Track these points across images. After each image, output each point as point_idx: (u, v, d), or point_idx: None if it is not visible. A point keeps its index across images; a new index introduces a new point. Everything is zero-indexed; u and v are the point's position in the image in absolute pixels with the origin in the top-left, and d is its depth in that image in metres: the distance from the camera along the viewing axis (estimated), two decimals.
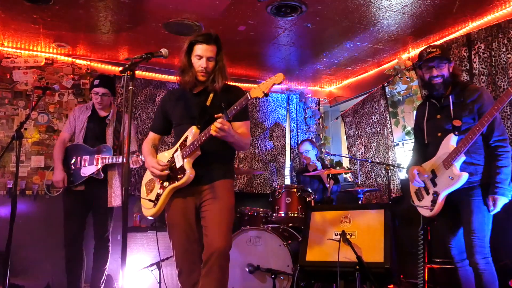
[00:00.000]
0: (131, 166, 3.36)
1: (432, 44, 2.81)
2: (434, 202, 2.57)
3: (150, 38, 4.43)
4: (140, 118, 5.06)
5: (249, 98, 2.22)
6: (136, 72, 2.41)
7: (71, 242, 3.44)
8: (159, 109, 2.69)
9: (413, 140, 3.03)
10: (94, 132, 3.55)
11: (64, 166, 3.49)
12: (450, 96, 2.63)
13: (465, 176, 2.45)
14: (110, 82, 3.68)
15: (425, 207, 2.66)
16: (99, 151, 3.45)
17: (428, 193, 2.67)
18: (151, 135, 2.70)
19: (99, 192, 3.43)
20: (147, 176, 2.65)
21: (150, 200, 2.53)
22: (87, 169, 3.41)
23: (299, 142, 5.37)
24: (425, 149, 2.78)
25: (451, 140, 2.54)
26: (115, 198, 3.43)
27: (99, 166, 3.38)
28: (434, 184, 2.62)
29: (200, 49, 2.42)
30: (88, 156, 3.45)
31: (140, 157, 3.34)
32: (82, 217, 3.49)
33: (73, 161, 3.49)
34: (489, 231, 2.49)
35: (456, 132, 2.53)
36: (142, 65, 5.05)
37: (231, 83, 2.67)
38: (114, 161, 3.40)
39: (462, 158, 2.49)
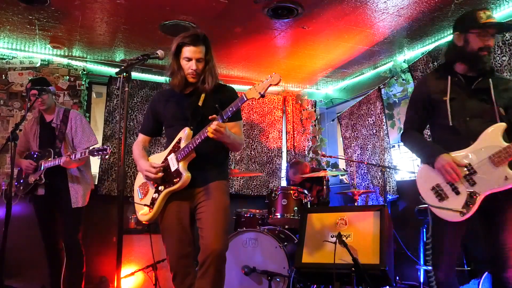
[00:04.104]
0: (64, 166, 3.30)
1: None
2: (469, 204, 2.09)
3: (146, 39, 4.42)
4: (136, 120, 5.05)
5: (245, 99, 2.18)
6: (132, 73, 2.39)
7: (47, 246, 3.47)
8: (149, 111, 2.63)
9: None
10: (46, 139, 3.51)
11: (19, 175, 3.53)
12: (490, 79, 2.18)
13: None
14: (43, 80, 3.62)
15: (454, 210, 2.13)
16: (42, 156, 3.42)
17: (457, 193, 2.14)
18: (141, 137, 2.66)
19: (60, 195, 3.40)
20: (140, 180, 2.60)
21: (145, 205, 2.48)
22: (33, 176, 3.39)
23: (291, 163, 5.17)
24: (433, 134, 2.31)
25: (501, 132, 2.08)
26: (78, 199, 3.40)
27: (41, 171, 3.35)
28: (472, 183, 2.11)
29: (189, 51, 2.37)
30: (35, 163, 3.42)
31: (72, 156, 3.21)
32: (51, 221, 3.47)
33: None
34: None
35: (505, 124, 2.09)
36: (138, 67, 5.04)
37: (222, 83, 2.61)
38: (50, 164, 3.33)
39: None
